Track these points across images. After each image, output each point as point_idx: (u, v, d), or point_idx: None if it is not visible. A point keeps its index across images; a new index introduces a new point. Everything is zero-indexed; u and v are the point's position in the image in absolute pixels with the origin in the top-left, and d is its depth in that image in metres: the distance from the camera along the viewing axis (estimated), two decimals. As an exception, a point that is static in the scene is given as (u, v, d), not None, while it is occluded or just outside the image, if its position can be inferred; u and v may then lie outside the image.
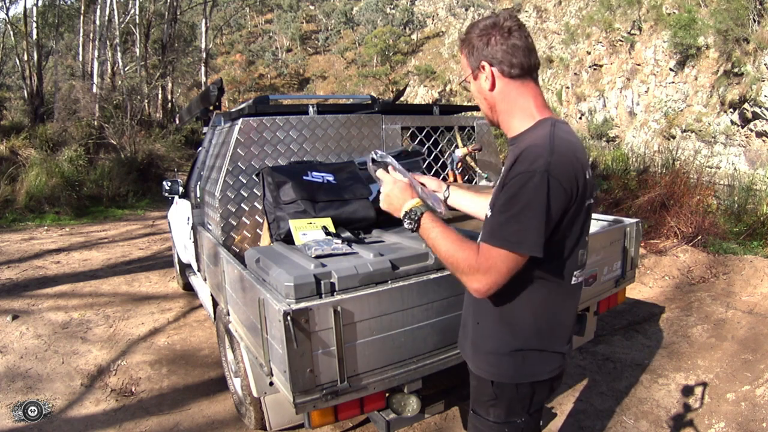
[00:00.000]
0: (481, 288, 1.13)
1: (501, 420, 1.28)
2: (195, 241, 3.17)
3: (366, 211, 2.36)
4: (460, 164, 3.09)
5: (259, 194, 2.54)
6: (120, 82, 16.49)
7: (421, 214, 1.24)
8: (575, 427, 2.54)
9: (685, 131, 18.30)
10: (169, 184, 3.97)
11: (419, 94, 32.82)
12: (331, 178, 2.42)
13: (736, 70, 16.79)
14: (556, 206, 1.09)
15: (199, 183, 3.21)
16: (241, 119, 2.54)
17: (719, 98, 17.59)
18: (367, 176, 2.57)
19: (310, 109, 2.75)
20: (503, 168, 1.21)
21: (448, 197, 1.56)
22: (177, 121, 13.85)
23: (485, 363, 1.29)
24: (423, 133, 3.05)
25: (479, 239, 1.17)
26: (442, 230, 1.21)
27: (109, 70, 17.33)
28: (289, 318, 1.44)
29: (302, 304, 1.51)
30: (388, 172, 1.38)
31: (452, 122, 3.14)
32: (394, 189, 1.32)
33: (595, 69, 23.69)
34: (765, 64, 15.70)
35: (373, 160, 1.41)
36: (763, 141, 15.98)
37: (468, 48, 1.23)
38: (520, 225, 1.08)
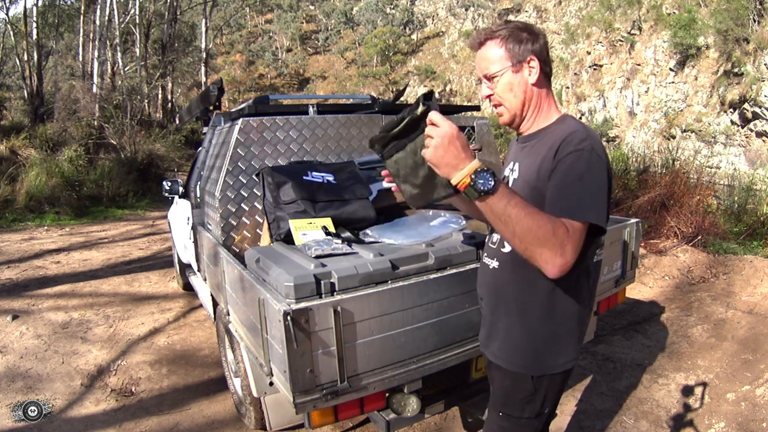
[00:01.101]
0: (569, 261, 1.05)
1: (534, 414, 1.30)
2: (195, 241, 3.17)
3: (366, 211, 2.35)
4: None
5: (259, 194, 2.54)
6: (120, 82, 16.50)
7: (495, 176, 1.04)
8: (575, 427, 2.54)
9: (685, 131, 18.30)
10: (169, 184, 3.97)
11: (419, 94, 32.79)
12: (331, 178, 2.42)
13: (736, 70, 16.79)
14: (608, 179, 1.15)
15: (199, 183, 3.21)
16: (241, 119, 2.54)
17: (719, 98, 17.59)
18: (368, 176, 2.57)
19: (310, 109, 2.75)
20: (534, 160, 1.23)
21: None
22: (177, 121, 13.85)
23: (528, 358, 1.28)
24: (423, 133, 3.04)
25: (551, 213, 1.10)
26: (521, 200, 1.06)
27: (109, 70, 17.33)
28: (289, 318, 1.44)
29: (302, 304, 1.51)
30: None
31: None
32: (456, 140, 1.04)
33: (595, 69, 23.70)
34: (765, 64, 15.70)
35: (425, 97, 1.13)
36: (763, 141, 15.98)
37: (513, 41, 1.24)
38: (587, 197, 1.11)
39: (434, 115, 1.07)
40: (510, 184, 1.32)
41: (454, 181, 1.05)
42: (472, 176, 1.03)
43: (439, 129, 1.05)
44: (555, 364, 1.28)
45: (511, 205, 1.04)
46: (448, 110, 3.31)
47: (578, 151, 1.13)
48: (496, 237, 1.36)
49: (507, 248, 1.31)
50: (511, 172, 1.35)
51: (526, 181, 1.25)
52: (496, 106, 1.31)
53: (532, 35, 1.24)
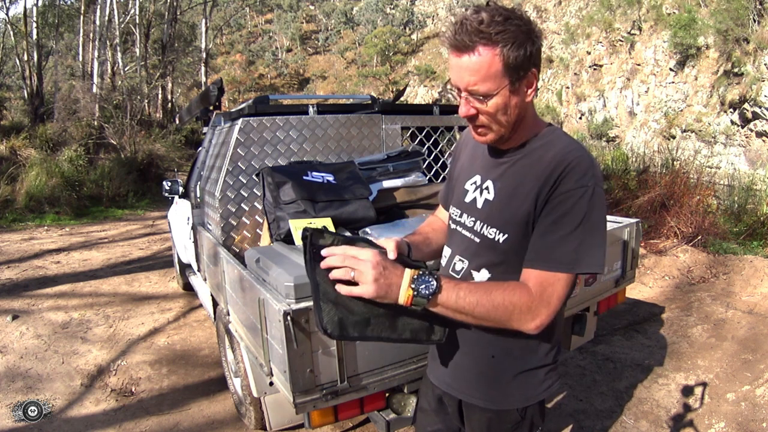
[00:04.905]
0: (544, 322, 0.97)
1: None
2: (195, 241, 3.17)
3: (366, 211, 2.35)
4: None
5: (259, 194, 2.54)
6: (120, 82, 16.51)
7: (433, 275, 0.95)
8: (575, 427, 2.54)
9: (685, 131, 18.31)
10: (169, 184, 3.98)
11: (419, 94, 32.84)
12: (331, 178, 2.42)
13: (736, 70, 16.80)
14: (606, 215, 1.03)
15: (199, 183, 3.21)
16: (241, 119, 2.54)
17: (719, 98, 17.59)
18: (368, 176, 2.58)
19: (310, 109, 2.75)
20: (519, 182, 1.04)
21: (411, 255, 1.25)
22: (177, 121, 13.86)
23: (509, 394, 1.13)
24: (423, 133, 3.05)
25: (525, 266, 1.01)
26: (469, 285, 0.98)
27: (109, 70, 17.35)
28: (289, 318, 1.44)
29: (302, 304, 1.51)
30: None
31: (452, 122, 3.14)
32: (382, 260, 0.94)
33: (595, 69, 23.69)
34: (765, 64, 15.71)
35: (313, 233, 0.99)
36: (763, 141, 15.98)
37: (515, 49, 0.93)
38: (580, 243, 0.97)
39: (341, 250, 0.94)
40: (479, 204, 1.11)
41: (401, 300, 0.94)
42: (413, 286, 0.93)
43: (362, 262, 0.92)
44: (539, 391, 1.13)
45: (461, 297, 0.95)
46: (449, 110, 3.30)
47: (581, 188, 0.97)
48: (460, 266, 1.15)
49: (479, 277, 1.11)
50: (481, 191, 1.11)
51: (507, 205, 1.05)
52: (479, 126, 1.03)
53: (533, 36, 0.95)
